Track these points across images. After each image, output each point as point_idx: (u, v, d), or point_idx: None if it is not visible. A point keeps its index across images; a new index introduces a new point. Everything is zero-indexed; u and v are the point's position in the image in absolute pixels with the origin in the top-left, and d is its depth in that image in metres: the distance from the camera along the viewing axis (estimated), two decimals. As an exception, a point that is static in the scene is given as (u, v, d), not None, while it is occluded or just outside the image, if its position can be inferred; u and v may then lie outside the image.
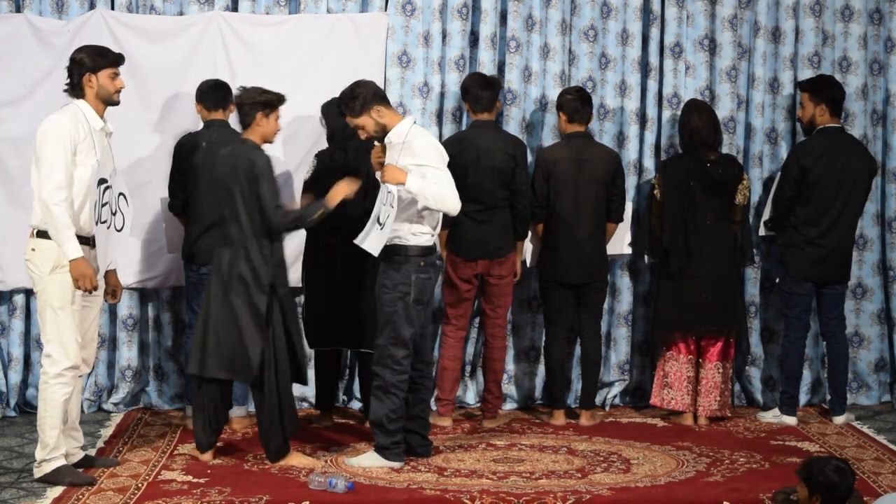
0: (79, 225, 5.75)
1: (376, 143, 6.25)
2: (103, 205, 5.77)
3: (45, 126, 5.76)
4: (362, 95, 6.08)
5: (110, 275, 6.07)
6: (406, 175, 5.94)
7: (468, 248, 6.92)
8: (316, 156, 6.93)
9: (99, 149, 5.82)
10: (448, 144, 6.77)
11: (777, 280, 7.45)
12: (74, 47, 6.08)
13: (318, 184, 6.81)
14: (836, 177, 7.08)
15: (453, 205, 6.01)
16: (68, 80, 5.88)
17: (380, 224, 6.06)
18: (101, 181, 5.77)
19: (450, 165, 6.19)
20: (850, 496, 4.68)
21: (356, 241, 6.20)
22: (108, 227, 5.85)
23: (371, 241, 6.09)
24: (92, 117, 5.84)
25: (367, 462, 6.13)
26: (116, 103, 5.96)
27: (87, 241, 5.80)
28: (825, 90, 7.18)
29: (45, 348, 5.83)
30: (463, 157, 6.82)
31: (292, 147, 7.33)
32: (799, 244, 7.15)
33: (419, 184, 5.94)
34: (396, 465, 6.11)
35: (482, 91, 6.98)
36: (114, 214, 5.90)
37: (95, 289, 5.77)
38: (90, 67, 5.83)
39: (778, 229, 7.31)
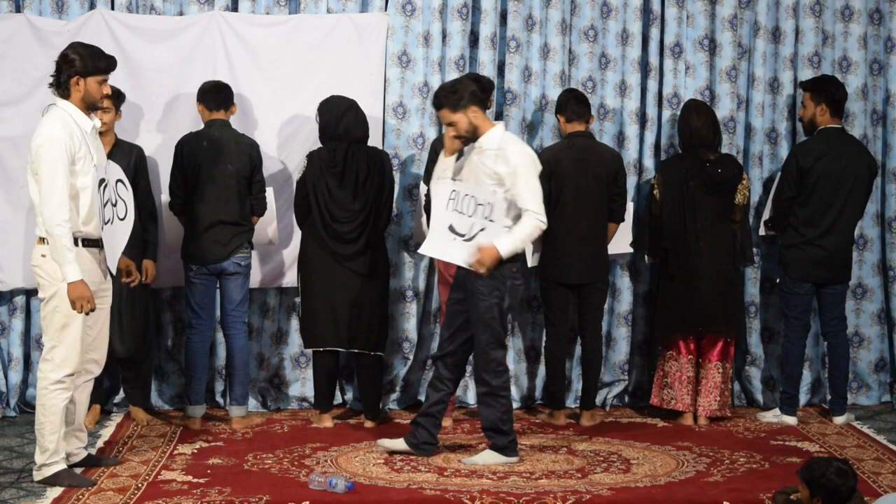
0: (87, 230, 5.70)
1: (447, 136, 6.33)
2: (104, 205, 5.73)
3: (39, 140, 5.56)
4: (461, 92, 6.12)
5: (121, 258, 5.98)
6: (496, 250, 5.96)
7: None
8: (307, 156, 6.93)
9: (94, 151, 5.72)
10: (435, 144, 6.87)
11: (777, 280, 7.45)
12: (73, 48, 6.02)
13: (307, 184, 6.83)
14: (837, 177, 7.08)
15: (542, 227, 6.06)
16: (55, 76, 5.71)
17: (459, 234, 6.09)
18: (101, 182, 5.71)
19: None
20: (851, 498, 4.68)
21: (435, 255, 6.32)
22: (112, 224, 5.80)
23: (458, 253, 6.09)
24: (81, 120, 5.68)
25: (486, 460, 6.17)
26: (99, 109, 5.88)
27: (96, 243, 5.75)
28: (826, 90, 7.17)
29: (46, 353, 5.75)
30: None
31: (292, 147, 7.32)
32: (799, 244, 7.14)
33: (510, 244, 5.99)
34: (514, 460, 6.18)
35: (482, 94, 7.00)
36: (114, 205, 5.81)
37: (93, 310, 5.65)
38: (80, 71, 5.66)
39: (778, 229, 7.31)
